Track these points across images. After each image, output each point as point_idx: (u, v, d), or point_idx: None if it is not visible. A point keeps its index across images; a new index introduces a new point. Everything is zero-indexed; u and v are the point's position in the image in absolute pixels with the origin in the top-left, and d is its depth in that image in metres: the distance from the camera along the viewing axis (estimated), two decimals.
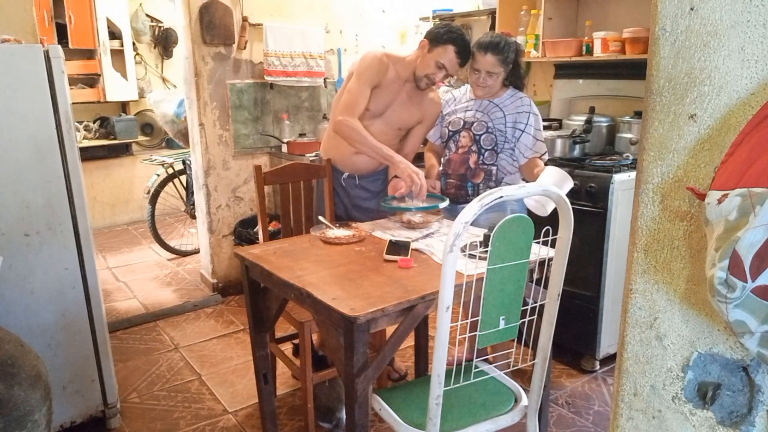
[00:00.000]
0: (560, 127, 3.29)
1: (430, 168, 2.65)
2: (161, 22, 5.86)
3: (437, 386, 1.48)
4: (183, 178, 4.70)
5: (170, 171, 4.68)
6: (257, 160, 3.90)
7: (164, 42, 5.88)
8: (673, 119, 0.84)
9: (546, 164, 2.52)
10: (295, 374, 2.71)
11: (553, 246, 1.55)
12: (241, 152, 3.85)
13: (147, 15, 5.72)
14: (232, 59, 3.71)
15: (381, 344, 2.38)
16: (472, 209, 1.31)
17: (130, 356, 3.11)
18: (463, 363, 1.62)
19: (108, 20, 5.30)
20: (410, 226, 2.33)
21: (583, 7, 3.38)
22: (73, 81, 5.22)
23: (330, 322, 1.68)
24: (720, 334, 0.84)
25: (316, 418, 2.37)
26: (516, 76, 2.51)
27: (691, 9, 0.80)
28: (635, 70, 3.05)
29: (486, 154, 2.49)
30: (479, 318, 1.51)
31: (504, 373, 1.85)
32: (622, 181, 2.66)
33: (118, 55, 5.45)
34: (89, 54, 5.34)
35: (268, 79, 3.76)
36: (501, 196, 1.32)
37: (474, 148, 2.50)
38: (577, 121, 3.18)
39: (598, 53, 2.99)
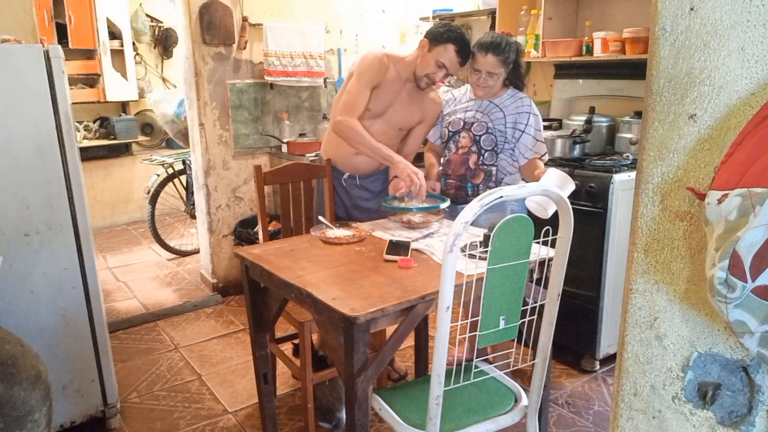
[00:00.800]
0: (560, 127, 3.29)
1: (430, 168, 2.65)
2: (161, 22, 5.86)
3: (437, 386, 1.48)
4: (183, 178, 4.70)
5: (170, 171, 4.68)
6: (257, 160, 3.90)
7: (164, 42, 5.88)
8: (673, 119, 0.84)
9: (546, 165, 2.52)
10: (295, 374, 2.71)
11: (553, 246, 1.55)
12: (241, 152, 3.85)
13: (147, 15, 5.71)
14: (232, 59, 3.71)
15: (381, 344, 2.38)
16: (472, 209, 1.31)
17: (130, 356, 3.11)
18: (463, 363, 1.62)
19: (108, 20, 5.30)
20: (410, 226, 2.33)
21: (583, 7, 3.38)
22: (73, 81, 5.22)
23: (330, 322, 1.68)
24: (720, 334, 0.84)
25: (316, 418, 2.37)
26: (516, 77, 2.51)
27: (691, 9, 0.80)
28: (635, 70, 3.05)
29: (486, 154, 2.49)
30: (479, 318, 1.51)
31: (504, 373, 1.85)
32: (622, 181, 2.66)
33: (118, 55, 5.45)
34: (89, 54, 5.34)
35: (268, 79, 3.77)
36: (501, 196, 1.32)
37: (474, 148, 2.50)
38: (577, 121, 3.18)
39: (598, 53, 2.99)
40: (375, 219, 2.53)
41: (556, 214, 1.54)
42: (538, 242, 1.49)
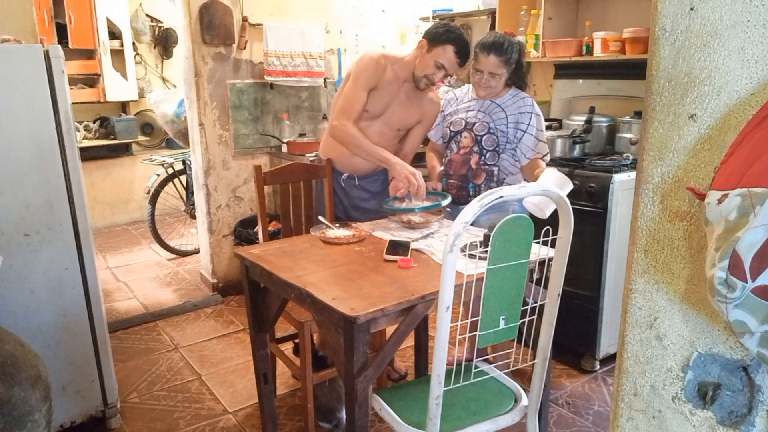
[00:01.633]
0: (560, 127, 3.29)
1: (431, 170, 2.64)
2: (161, 22, 5.86)
3: (437, 386, 1.48)
4: (183, 178, 4.70)
5: (170, 171, 4.68)
6: (257, 160, 3.90)
7: (164, 42, 5.88)
8: (673, 119, 0.84)
9: (547, 165, 2.52)
10: (295, 374, 2.71)
11: (553, 246, 1.55)
12: (241, 152, 3.85)
13: (147, 15, 5.71)
14: (232, 59, 3.71)
15: (381, 344, 2.38)
16: (472, 209, 1.31)
17: (130, 356, 3.11)
18: (463, 363, 1.62)
19: (108, 20, 5.30)
20: (410, 226, 2.33)
21: (583, 7, 3.38)
22: (73, 81, 5.21)
23: (330, 322, 1.68)
24: (720, 334, 0.84)
25: (316, 418, 2.37)
26: (519, 77, 2.50)
27: (691, 9, 0.80)
28: (635, 70, 3.04)
29: (487, 154, 2.49)
30: (479, 318, 1.51)
31: (504, 373, 1.85)
32: (622, 181, 2.66)
33: (118, 55, 5.45)
34: (89, 54, 5.34)
35: (268, 79, 3.77)
36: (501, 196, 1.32)
37: (475, 148, 2.50)
38: (577, 121, 3.18)
39: (598, 53, 2.99)
40: (374, 219, 2.53)
41: (555, 214, 1.54)
42: (538, 242, 1.49)
